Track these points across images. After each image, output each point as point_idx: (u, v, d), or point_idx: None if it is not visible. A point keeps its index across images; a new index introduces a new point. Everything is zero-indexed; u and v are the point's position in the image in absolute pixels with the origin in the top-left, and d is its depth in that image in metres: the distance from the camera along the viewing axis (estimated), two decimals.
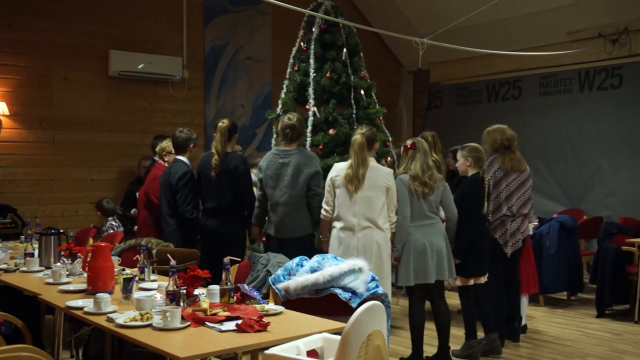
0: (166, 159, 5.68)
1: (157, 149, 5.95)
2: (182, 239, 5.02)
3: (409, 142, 4.65)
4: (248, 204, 5.09)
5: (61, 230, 4.56)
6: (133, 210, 6.95)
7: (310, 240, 4.83)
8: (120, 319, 2.88)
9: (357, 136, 4.54)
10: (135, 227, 6.46)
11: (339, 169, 4.59)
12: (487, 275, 4.89)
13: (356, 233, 4.47)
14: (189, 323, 2.86)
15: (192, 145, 5.26)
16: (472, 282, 4.84)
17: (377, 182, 4.48)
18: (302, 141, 5.01)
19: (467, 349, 4.86)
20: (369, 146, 4.57)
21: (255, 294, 3.38)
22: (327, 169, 5.67)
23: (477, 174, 4.87)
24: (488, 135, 5.24)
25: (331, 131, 5.84)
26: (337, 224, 4.56)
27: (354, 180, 4.44)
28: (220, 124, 5.07)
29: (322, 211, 4.63)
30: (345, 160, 5.48)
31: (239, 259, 4.28)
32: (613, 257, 6.14)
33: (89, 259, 3.65)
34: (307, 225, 4.79)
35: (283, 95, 6.15)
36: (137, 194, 7.02)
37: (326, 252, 4.65)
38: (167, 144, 5.71)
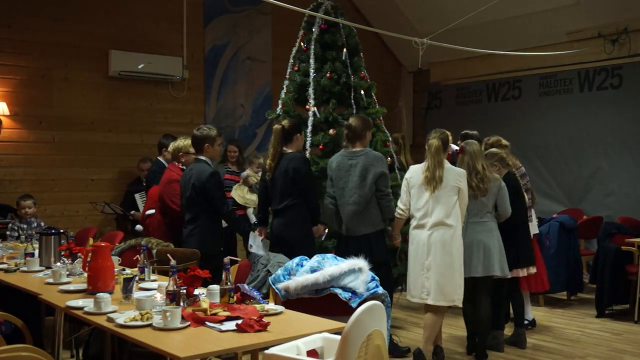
0: (183, 160, 5.41)
1: (171, 149, 5.59)
2: (200, 244, 4.75)
3: (460, 147, 4.95)
4: (309, 203, 4.99)
5: (61, 230, 4.57)
6: (132, 212, 6.95)
7: (376, 237, 4.88)
8: (121, 319, 2.88)
9: (434, 140, 4.65)
10: (138, 227, 6.31)
11: (415, 171, 4.73)
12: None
13: (427, 230, 4.59)
14: (189, 323, 2.86)
15: (207, 144, 4.93)
16: (520, 273, 5.12)
17: (450, 182, 4.61)
18: (366, 141, 4.99)
19: (516, 336, 5.23)
20: (444, 148, 4.70)
21: (255, 294, 3.39)
22: (327, 169, 5.66)
23: (509, 173, 5.11)
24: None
25: (331, 131, 5.84)
26: (412, 222, 4.71)
27: (432, 182, 4.58)
28: (275, 126, 4.98)
29: (398, 210, 4.76)
30: None
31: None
32: (613, 257, 6.14)
33: (89, 259, 3.66)
34: (375, 224, 4.86)
35: (283, 96, 6.14)
36: (135, 195, 7.03)
37: (397, 246, 5.00)
38: (183, 143, 5.44)
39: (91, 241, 4.12)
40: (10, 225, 6.11)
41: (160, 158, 6.63)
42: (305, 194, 4.93)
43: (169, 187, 5.27)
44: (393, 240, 4.96)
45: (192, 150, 5.33)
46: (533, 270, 5.26)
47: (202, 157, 4.96)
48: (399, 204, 4.77)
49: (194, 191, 4.82)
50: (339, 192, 4.91)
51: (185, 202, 4.95)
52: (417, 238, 4.63)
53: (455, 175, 4.63)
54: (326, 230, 5.23)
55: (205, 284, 3.44)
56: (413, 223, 4.69)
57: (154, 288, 3.48)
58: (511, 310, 5.61)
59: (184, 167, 5.35)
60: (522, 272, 5.15)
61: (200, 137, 4.94)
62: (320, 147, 5.84)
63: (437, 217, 4.56)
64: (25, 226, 6.03)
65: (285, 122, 5.03)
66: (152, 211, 5.64)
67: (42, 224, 6.12)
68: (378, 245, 4.84)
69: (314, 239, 5.12)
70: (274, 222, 5.06)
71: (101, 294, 3.14)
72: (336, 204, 4.98)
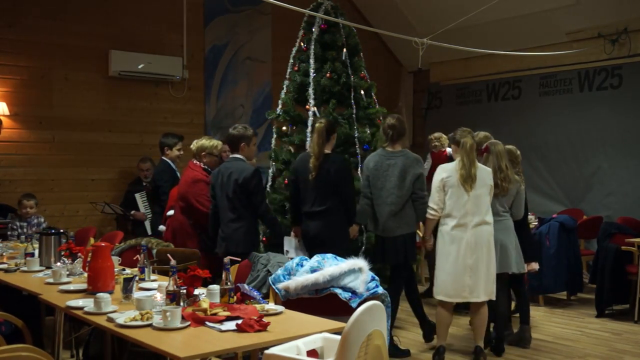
0: (205, 160, 5.33)
1: (194, 148, 5.41)
2: (245, 244, 4.70)
3: (483, 146, 5.01)
4: (348, 204, 4.95)
5: (61, 230, 4.57)
6: (133, 212, 6.95)
7: (411, 238, 4.91)
8: (121, 318, 2.88)
9: (468, 139, 4.70)
10: (161, 227, 6.04)
11: (450, 170, 4.73)
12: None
13: (469, 229, 4.62)
14: (189, 323, 2.86)
15: (243, 143, 4.87)
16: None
17: (485, 180, 4.70)
18: (405, 140, 5.06)
19: (521, 333, 5.29)
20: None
21: (255, 294, 3.39)
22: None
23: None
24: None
25: None
26: (449, 222, 4.68)
27: (469, 180, 4.63)
28: (317, 125, 4.91)
29: (430, 211, 4.74)
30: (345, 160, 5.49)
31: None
32: (613, 257, 6.14)
33: (89, 259, 3.66)
34: (410, 225, 4.89)
35: (283, 95, 6.15)
36: (135, 195, 7.02)
37: (429, 249, 5.03)
38: (209, 143, 5.37)
39: (92, 241, 4.12)
40: (10, 225, 6.12)
41: (165, 158, 6.58)
42: (345, 195, 4.91)
43: (195, 186, 5.17)
44: (424, 243, 4.95)
45: (215, 152, 5.34)
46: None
47: (239, 156, 4.89)
48: (432, 204, 4.73)
49: (239, 188, 4.74)
50: (376, 192, 4.90)
51: (226, 201, 4.81)
52: (457, 238, 4.64)
53: (487, 174, 4.74)
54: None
55: (205, 284, 3.44)
56: (451, 223, 4.67)
57: (154, 288, 3.48)
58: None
59: (206, 167, 5.31)
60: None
61: (237, 135, 4.89)
62: None
63: (480, 216, 4.63)
64: (25, 224, 6.04)
65: (324, 121, 4.98)
66: (172, 212, 5.54)
67: (42, 220, 6.13)
68: (412, 246, 4.90)
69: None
70: (310, 223, 4.96)
71: (101, 294, 3.14)
72: (371, 205, 4.95)
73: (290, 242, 5.11)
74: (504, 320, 5.09)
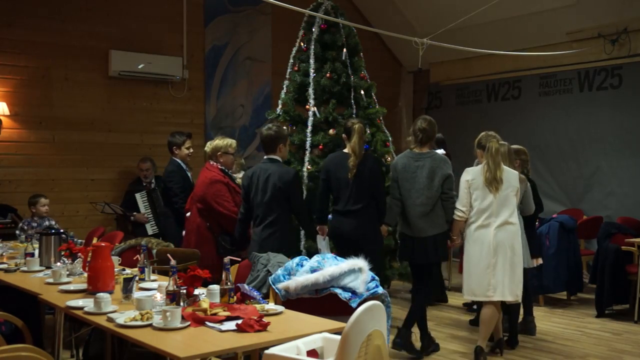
0: (222, 160, 5.23)
1: (209, 149, 5.30)
2: (281, 248, 4.54)
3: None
4: (380, 203, 4.97)
5: (61, 230, 4.57)
6: (135, 213, 6.94)
7: (442, 238, 4.92)
8: (121, 318, 2.89)
9: (493, 143, 4.78)
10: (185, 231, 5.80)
11: (475, 172, 4.82)
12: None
13: (491, 230, 4.70)
14: (189, 323, 2.86)
15: (280, 144, 4.74)
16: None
17: (511, 182, 4.78)
18: (433, 143, 5.10)
19: (525, 323, 5.52)
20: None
21: (255, 294, 3.39)
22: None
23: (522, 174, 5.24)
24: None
25: (331, 131, 5.85)
26: (474, 223, 4.78)
27: (494, 182, 4.72)
28: (357, 126, 4.87)
29: (457, 212, 4.82)
30: None
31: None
32: (613, 257, 6.14)
33: (89, 259, 3.66)
34: (441, 225, 4.89)
35: (283, 95, 6.15)
36: (135, 195, 7.02)
37: (457, 247, 5.14)
38: (223, 143, 5.26)
39: (95, 240, 4.12)
40: (21, 225, 6.11)
41: (175, 158, 6.54)
42: (379, 194, 4.95)
43: (212, 187, 5.09)
44: (452, 242, 4.97)
45: (231, 150, 5.26)
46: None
47: (275, 157, 4.78)
48: (459, 206, 4.81)
49: (278, 192, 4.64)
50: (406, 194, 4.90)
51: (261, 204, 4.72)
52: (481, 238, 4.72)
53: (514, 176, 4.80)
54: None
55: (205, 284, 3.44)
56: (475, 224, 4.76)
57: (154, 288, 3.48)
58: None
59: (223, 168, 5.26)
60: None
61: (275, 136, 4.74)
62: (320, 147, 5.84)
63: (504, 217, 4.71)
64: (35, 224, 6.05)
65: (358, 122, 4.98)
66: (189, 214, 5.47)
67: (54, 222, 6.14)
68: (443, 246, 4.92)
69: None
70: (344, 222, 4.93)
71: (101, 294, 3.14)
72: (400, 206, 4.95)
73: (320, 241, 5.12)
74: (518, 313, 5.22)
